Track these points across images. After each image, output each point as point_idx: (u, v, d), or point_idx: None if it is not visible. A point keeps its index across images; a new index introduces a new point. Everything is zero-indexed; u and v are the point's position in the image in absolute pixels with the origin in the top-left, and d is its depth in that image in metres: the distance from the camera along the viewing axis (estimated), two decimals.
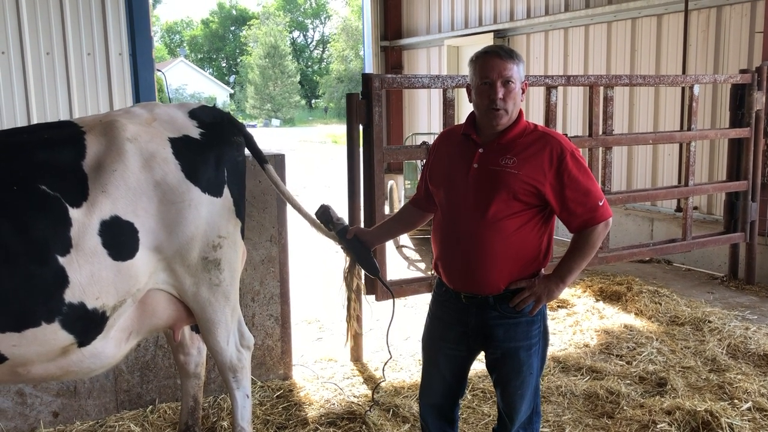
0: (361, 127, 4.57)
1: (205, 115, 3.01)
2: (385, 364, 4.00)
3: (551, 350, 4.99)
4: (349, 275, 3.35)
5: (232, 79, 67.73)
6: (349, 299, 3.51)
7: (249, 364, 3.17)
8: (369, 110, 4.45)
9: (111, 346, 2.72)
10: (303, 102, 62.26)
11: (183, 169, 2.77)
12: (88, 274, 2.53)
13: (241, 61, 66.19)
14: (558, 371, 4.63)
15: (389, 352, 3.48)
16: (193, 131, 2.90)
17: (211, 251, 2.86)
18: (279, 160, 4.26)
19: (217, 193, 2.89)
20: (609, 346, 5.05)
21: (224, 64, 71.79)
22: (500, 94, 2.56)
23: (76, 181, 2.57)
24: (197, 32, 70.90)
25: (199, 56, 69.57)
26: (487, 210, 2.62)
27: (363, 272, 3.59)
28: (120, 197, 2.60)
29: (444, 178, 2.80)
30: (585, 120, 8.58)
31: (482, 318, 2.73)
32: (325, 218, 3.28)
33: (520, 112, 2.71)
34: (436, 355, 2.96)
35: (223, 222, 2.91)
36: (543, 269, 2.77)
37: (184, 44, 70.51)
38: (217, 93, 59.17)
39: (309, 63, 70.30)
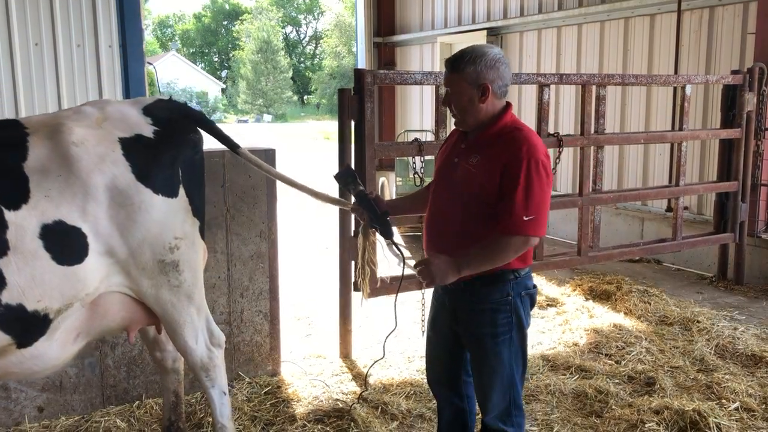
0: (353, 124, 4.54)
1: (161, 110, 2.91)
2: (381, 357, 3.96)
3: (540, 349, 4.99)
4: (363, 237, 3.25)
5: (224, 73, 67.43)
6: (362, 258, 3.36)
7: (222, 362, 3.09)
8: (361, 106, 4.42)
9: (55, 348, 2.65)
10: (295, 98, 62.14)
11: (134, 170, 2.68)
12: (28, 276, 2.46)
13: (233, 56, 65.94)
14: (547, 370, 4.63)
15: (395, 321, 3.31)
16: (146, 129, 2.80)
17: (167, 253, 2.78)
18: (270, 155, 4.22)
19: (171, 193, 2.79)
20: (598, 345, 5.05)
21: (216, 59, 71.49)
22: (445, 102, 2.81)
23: (15, 183, 2.49)
24: (189, 26, 70.56)
25: (191, 50, 69.22)
26: (456, 205, 2.76)
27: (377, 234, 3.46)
28: (65, 202, 2.52)
29: (437, 169, 2.98)
30: (577, 119, 8.59)
31: (454, 302, 2.88)
32: (347, 178, 3.11)
33: (506, 109, 2.75)
34: (430, 332, 3.11)
35: (179, 223, 2.82)
36: (522, 266, 2.79)
37: (176, 38, 70.15)
38: (209, 88, 58.89)
39: (302, 59, 70.11)
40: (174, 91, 54.53)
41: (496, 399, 2.87)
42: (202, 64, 67.81)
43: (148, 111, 2.87)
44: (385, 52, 11.99)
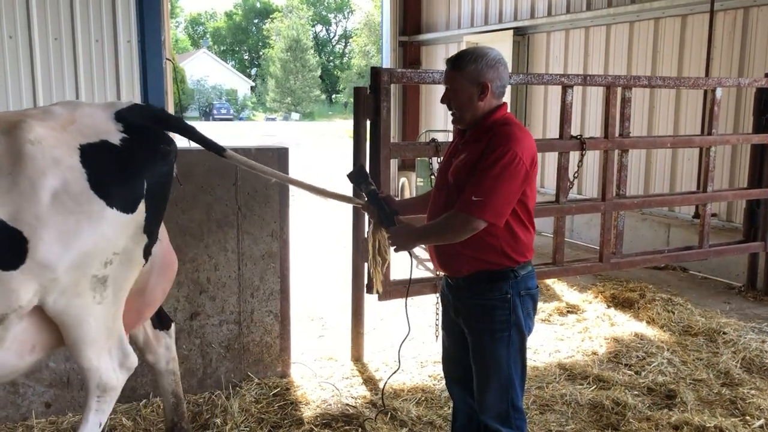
0: (369, 123, 4.46)
1: (135, 117, 2.78)
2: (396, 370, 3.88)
3: (558, 357, 4.86)
4: (373, 235, 3.22)
5: (253, 71, 67.93)
6: (372, 251, 3.33)
7: (121, 387, 2.83)
8: (377, 105, 4.34)
9: (12, 357, 2.56)
10: (323, 96, 62.32)
11: (90, 178, 2.52)
12: None
13: (263, 54, 66.39)
14: (564, 379, 4.50)
15: (407, 318, 3.30)
16: (114, 136, 2.67)
17: (101, 268, 2.59)
18: (282, 154, 4.17)
19: (127, 208, 2.62)
20: (618, 354, 4.90)
21: (246, 57, 72.07)
22: (445, 100, 2.84)
23: None
24: (221, 24, 71.21)
25: (221, 48, 69.87)
26: (447, 202, 2.81)
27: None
28: (9, 202, 2.37)
29: (438, 171, 3.09)
30: (602, 121, 8.40)
31: (455, 297, 2.94)
32: (359, 178, 3.14)
33: (499, 107, 2.80)
34: (444, 329, 3.15)
35: (123, 238, 2.64)
36: (520, 261, 2.81)
37: (207, 36, 70.85)
38: (239, 85, 59.43)
39: (330, 57, 70.31)
40: (204, 89, 55.14)
41: (493, 398, 2.88)
42: (233, 62, 68.42)
43: (120, 116, 2.73)
44: (410, 51, 11.89)
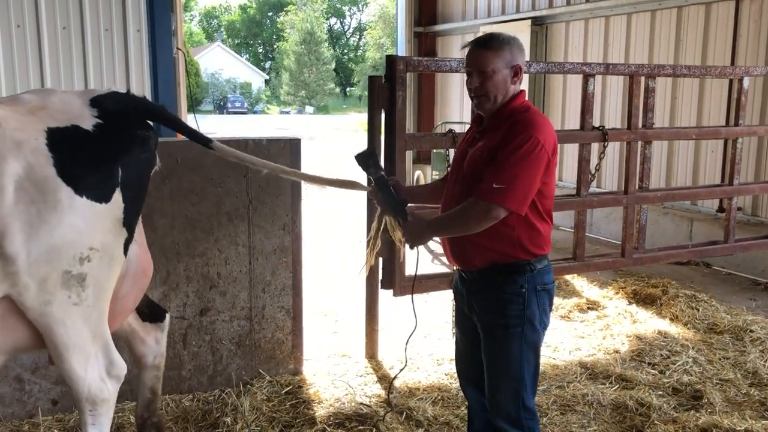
0: (384, 114, 4.32)
1: (112, 103, 2.61)
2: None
3: (579, 355, 4.71)
4: (378, 222, 3.09)
5: (267, 65, 67.89)
6: (373, 238, 3.19)
7: (114, 398, 2.66)
8: (392, 95, 4.19)
9: None
10: (337, 90, 62.20)
11: (56, 163, 2.33)
12: None
13: (277, 47, 66.31)
14: (585, 378, 4.35)
15: (415, 317, 3.19)
16: (87, 121, 2.48)
17: (75, 264, 2.39)
18: (295, 145, 4.05)
19: (100, 197, 2.43)
20: (641, 353, 4.74)
21: (261, 50, 72.04)
22: (476, 83, 2.67)
23: None
24: (235, 17, 71.19)
25: (236, 41, 69.86)
26: (463, 194, 2.71)
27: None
28: None
29: (452, 162, 2.99)
30: (624, 112, 8.19)
31: (469, 290, 2.83)
32: (368, 161, 2.93)
33: (518, 94, 2.72)
34: (458, 327, 3.06)
35: (99, 232, 2.45)
36: (537, 254, 2.72)
37: (222, 29, 70.86)
38: (253, 79, 59.41)
39: (345, 50, 70.11)
40: (218, 82, 55.19)
41: (503, 397, 2.78)
42: (247, 55, 68.39)
43: (96, 102, 2.56)
44: (426, 42, 11.70)
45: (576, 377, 4.36)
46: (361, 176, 3.16)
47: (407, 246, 2.88)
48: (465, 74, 2.78)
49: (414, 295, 4.20)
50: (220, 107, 50.99)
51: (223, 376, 4.04)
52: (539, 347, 2.79)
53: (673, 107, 7.71)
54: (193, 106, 6.77)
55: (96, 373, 2.60)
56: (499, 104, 2.69)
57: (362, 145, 4.21)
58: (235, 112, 48.79)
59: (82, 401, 2.62)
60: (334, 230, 8.64)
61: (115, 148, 2.53)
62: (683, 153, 7.67)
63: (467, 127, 3.18)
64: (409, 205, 2.93)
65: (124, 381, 2.73)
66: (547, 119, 2.73)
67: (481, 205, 2.56)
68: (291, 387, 4.07)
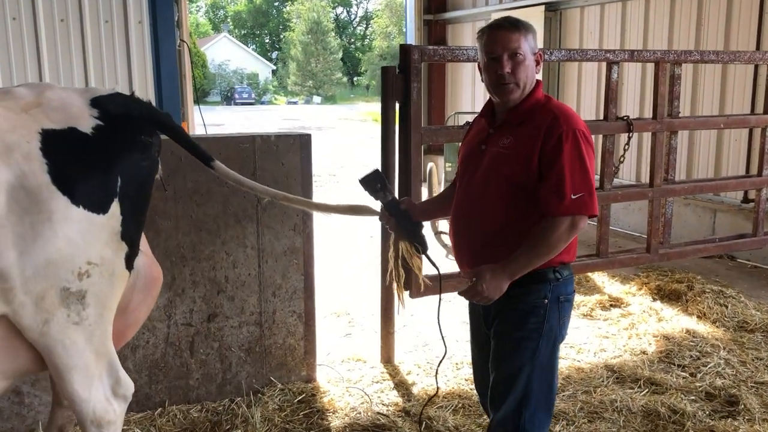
0: (397, 105, 4.10)
1: (115, 105, 2.40)
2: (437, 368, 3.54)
3: (604, 357, 4.49)
4: (395, 250, 2.87)
5: (274, 55, 67.61)
6: (395, 268, 2.98)
7: (121, 419, 2.49)
8: (407, 86, 3.97)
9: None
10: (345, 79, 61.89)
11: (51, 170, 2.13)
12: None
13: (284, 37, 66.01)
14: (612, 382, 4.13)
15: (444, 345, 2.96)
16: (86, 124, 2.27)
17: (74, 281, 2.21)
18: (305, 141, 3.84)
19: (97, 207, 2.24)
20: (669, 354, 4.52)
21: (267, 40, 71.74)
22: (507, 68, 2.43)
23: None
24: (241, 7, 70.84)
25: (242, 32, 69.58)
26: (485, 195, 2.52)
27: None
28: None
29: (462, 160, 2.71)
30: (642, 101, 7.94)
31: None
32: (375, 185, 2.71)
33: (537, 85, 2.53)
34: (473, 341, 2.86)
35: (98, 245, 2.26)
36: (564, 261, 2.52)
37: (228, 20, 70.58)
38: (260, 69, 59.19)
39: (352, 39, 69.70)
40: (225, 73, 55.01)
41: (503, 414, 2.55)
42: (254, 46, 68.14)
43: (97, 103, 2.35)
44: (435, 30, 11.41)
45: (602, 381, 4.14)
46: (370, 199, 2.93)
47: (479, 302, 2.51)
48: (481, 62, 2.52)
49: (430, 297, 4.04)
50: (228, 98, 50.85)
51: (233, 385, 3.86)
52: (554, 365, 2.59)
53: (694, 95, 7.43)
54: (199, 100, 6.55)
55: (101, 393, 2.43)
56: (525, 95, 2.49)
57: (371, 135, 3.99)
58: (243, 103, 48.67)
59: (86, 424, 2.43)
60: (345, 227, 8.40)
61: (114, 155, 2.33)
62: (705, 142, 7.40)
63: None
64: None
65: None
66: (573, 110, 2.57)
67: (565, 222, 2.36)
68: (304, 395, 3.88)
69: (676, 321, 5.10)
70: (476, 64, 2.62)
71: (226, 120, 30.94)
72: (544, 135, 2.37)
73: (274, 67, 63.58)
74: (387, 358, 4.38)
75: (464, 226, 2.62)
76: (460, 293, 2.52)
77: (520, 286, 2.46)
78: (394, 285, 2.99)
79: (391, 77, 4.00)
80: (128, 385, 2.54)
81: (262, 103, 52.85)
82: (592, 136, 2.53)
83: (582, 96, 8.94)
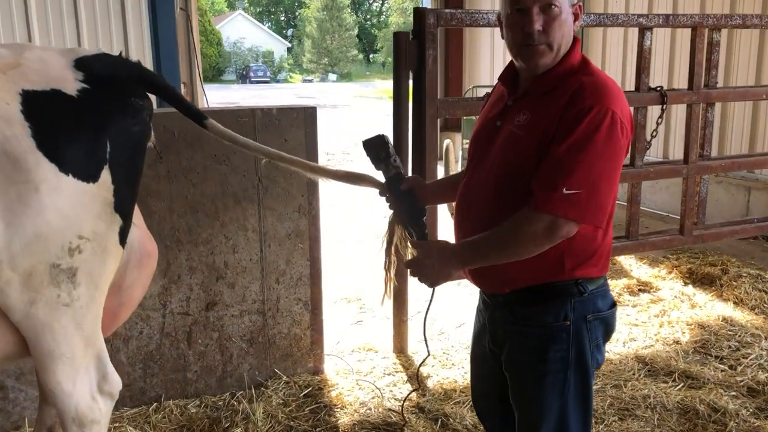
0: (411, 76, 3.77)
1: (101, 66, 2.16)
2: (421, 364, 3.25)
3: (634, 347, 4.17)
4: (389, 233, 2.48)
5: (289, 32, 67.08)
6: (387, 256, 2.61)
7: (106, 419, 2.25)
8: (421, 53, 3.63)
9: None
10: (360, 56, 61.30)
11: (35, 134, 1.92)
12: None
13: (299, 14, 65.42)
14: (644, 375, 3.81)
15: (427, 348, 2.59)
16: (70, 85, 2.05)
17: (64, 256, 2.00)
18: (309, 114, 3.52)
19: (87, 175, 2.02)
20: (705, 344, 4.18)
21: (283, 18, 71.17)
22: (538, 24, 1.89)
23: None
24: None
25: (257, 9, 69.07)
26: (494, 185, 1.99)
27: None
28: None
29: (474, 136, 2.18)
30: (671, 70, 7.51)
31: (492, 316, 2.13)
32: (378, 152, 2.30)
33: (574, 45, 1.99)
34: (473, 355, 2.36)
35: (90, 217, 2.05)
36: (590, 275, 1.99)
37: None
38: (275, 47, 58.77)
39: (368, 16, 68.91)
40: (240, 51, 54.66)
41: None
42: (269, 23, 67.62)
43: (81, 64, 2.12)
44: (453, 1, 10.97)
45: (634, 374, 3.82)
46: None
47: (426, 284, 2.10)
48: (503, 15, 1.99)
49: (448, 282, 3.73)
50: (243, 77, 50.58)
51: (234, 378, 3.59)
52: (590, 394, 2.06)
53: (728, 64, 6.98)
54: (200, 73, 6.24)
55: (86, 388, 2.18)
56: (558, 59, 1.95)
57: (387, 113, 3.67)
58: (258, 82, 48.38)
59: (67, 421, 2.18)
60: (354, 203, 8.09)
61: (102, 118, 2.09)
62: (738, 115, 6.97)
63: None
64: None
65: (123, 386, 2.26)
66: (616, 83, 1.96)
67: (544, 221, 1.82)
68: (310, 389, 3.61)
69: (711, 307, 4.75)
70: (496, 17, 2.10)
71: (240, 98, 30.65)
72: (562, 109, 1.85)
73: (290, 45, 63.08)
74: (400, 347, 4.09)
75: (465, 218, 2.12)
76: (404, 264, 2.15)
77: (530, 304, 2.00)
78: (385, 276, 2.53)
79: (404, 44, 3.66)
80: (116, 382, 2.29)
81: (278, 81, 52.51)
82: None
83: (607, 64, 8.49)
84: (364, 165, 2.48)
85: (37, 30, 4.66)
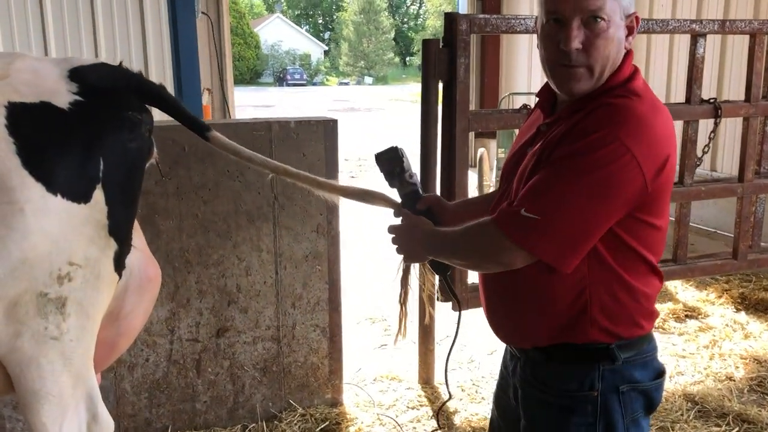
0: (441, 86, 3.50)
1: (98, 77, 1.96)
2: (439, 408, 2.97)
3: (682, 382, 3.82)
4: (404, 265, 2.20)
5: (327, 35, 67.35)
6: (403, 299, 2.34)
7: None
8: (452, 62, 3.36)
9: None
10: (397, 59, 61.23)
11: (20, 151, 1.74)
12: None
13: (336, 17, 65.66)
14: (693, 417, 3.47)
15: (448, 390, 2.31)
16: (62, 98, 1.87)
17: (53, 284, 1.82)
18: (330, 128, 3.27)
19: (77, 195, 1.83)
20: (762, 382, 3.81)
21: (320, 21, 71.52)
22: (577, 42, 1.57)
23: None
24: None
25: (295, 13, 69.53)
26: None
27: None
28: None
29: (507, 160, 1.88)
30: (721, 80, 7.08)
31: (514, 372, 1.84)
32: (392, 167, 2.01)
33: (625, 60, 1.66)
34: (495, 399, 2.04)
35: (81, 241, 1.84)
36: (624, 335, 1.66)
37: (282, 0, 70.62)
38: (312, 50, 59.08)
39: (405, 19, 68.82)
40: (278, 54, 55.04)
41: None
42: (306, 26, 68.02)
43: (76, 75, 1.94)
44: (489, 4, 10.66)
45: (681, 414, 3.48)
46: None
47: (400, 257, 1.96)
48: (539, 25, 1.67)
49: (475, 308, 3.44)
50: (280, 79, 50.93)
51: (246, 409, 3.35)
52: None
53: None
54: (225, 78, 6.04)
55: (74, 431, 1.96)
56: (600, 84, 1.62)
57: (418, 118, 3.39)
58: (295, 84, 48.69)
59: None
60: (376, 223, 7.82)
61: (94, 132, 1.90)
62: None
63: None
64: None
65: (127, 416, 2.03)
66: (664, 110, 1.62)
67: (492, 236, 1.59)
68: (328, 423, 3.35)
69: (767, 339, 4.36)
70: (534, 21, 1.80)
71: (277, 101, 30.74)
72: (570, 129, 1.58)
73: (327, 48, 63.31)
74: (426, 378, 3.81)
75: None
76: (387, 229, 1.94)
77: (552, 366, 1.70)
78: (399, 310, 2.28)
79: (433, 52, 3.39)
80: (107, 424, 2.06)
81: (314, 84, 52.72)
82: (677, 122, 1.71)
83: (651, 74, 8.09)
84: (377, 175, 2.20)
85: (53, 38, 4.50)
